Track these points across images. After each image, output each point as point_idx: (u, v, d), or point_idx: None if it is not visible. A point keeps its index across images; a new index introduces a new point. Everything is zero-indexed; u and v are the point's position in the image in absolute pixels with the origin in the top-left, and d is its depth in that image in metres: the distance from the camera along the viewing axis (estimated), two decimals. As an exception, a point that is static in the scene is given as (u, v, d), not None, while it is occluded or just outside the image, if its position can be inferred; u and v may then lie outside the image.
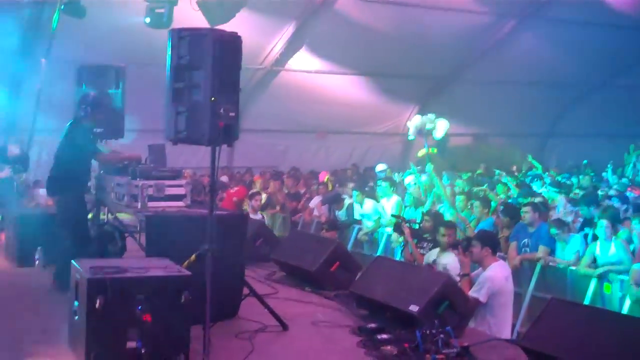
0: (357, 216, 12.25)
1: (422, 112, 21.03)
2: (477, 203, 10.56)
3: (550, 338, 5.08)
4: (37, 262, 8.44)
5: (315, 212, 13.13)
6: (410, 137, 14.11)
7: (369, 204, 12.07)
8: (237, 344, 5.73)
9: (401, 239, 9.51)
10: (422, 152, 13.56)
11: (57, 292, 7.00)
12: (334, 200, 12.84)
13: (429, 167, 12.43)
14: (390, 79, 19.53)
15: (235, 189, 15.30)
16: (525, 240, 9.20)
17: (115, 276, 5.00)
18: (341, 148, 20.87)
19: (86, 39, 13.70)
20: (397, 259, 9.65)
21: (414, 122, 13.44)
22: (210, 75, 5.50)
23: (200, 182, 14.57)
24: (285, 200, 13.86)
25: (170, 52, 5.70)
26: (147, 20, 12.68)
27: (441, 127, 12.96)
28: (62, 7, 12.37)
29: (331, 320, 6.57)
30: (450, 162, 17.41)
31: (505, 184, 13.70)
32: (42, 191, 14.27)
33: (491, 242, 6.99)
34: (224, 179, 16.07)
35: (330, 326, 6.38)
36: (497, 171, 16.90)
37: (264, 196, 14.11)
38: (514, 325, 7.62)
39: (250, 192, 12.92)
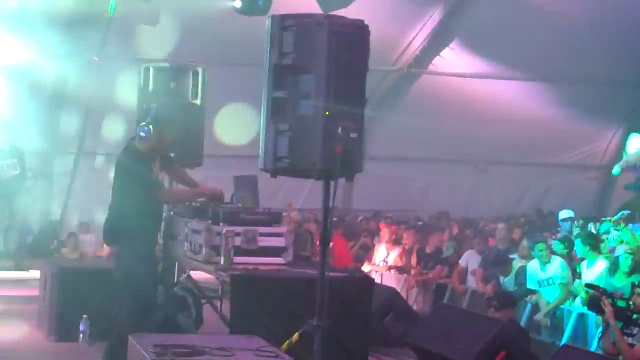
0: (533, 284, 11.95)
1: (631, 132, 20.58)
2: None
3: None
4: (81, 335, 8.73)
5: (470, 278, 12.97)
6: (615, 172, 13.79)
7: (555, 263, 11.67)
8: None
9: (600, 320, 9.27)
10: None
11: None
12: (498, 262, 12.64)
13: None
14: (583, 86, 19.19)
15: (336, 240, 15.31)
16: None
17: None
18: (508, 185, 20.55)
19: (154, 31, 14.20)
20: (593, 349, 9.42)
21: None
22: (325, 80, 5.64)
23: (306, 229, 14.73)
24: (426, 260, 13.81)
25: (269, 49, 5.86)
26: (237, 4, 13.08)
27: None
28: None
29: None
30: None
31: None
32: (90, 237, 14.89)
33: None
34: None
35: None
36: None
37: (394, 253, 14.12)
38: None
39: None
